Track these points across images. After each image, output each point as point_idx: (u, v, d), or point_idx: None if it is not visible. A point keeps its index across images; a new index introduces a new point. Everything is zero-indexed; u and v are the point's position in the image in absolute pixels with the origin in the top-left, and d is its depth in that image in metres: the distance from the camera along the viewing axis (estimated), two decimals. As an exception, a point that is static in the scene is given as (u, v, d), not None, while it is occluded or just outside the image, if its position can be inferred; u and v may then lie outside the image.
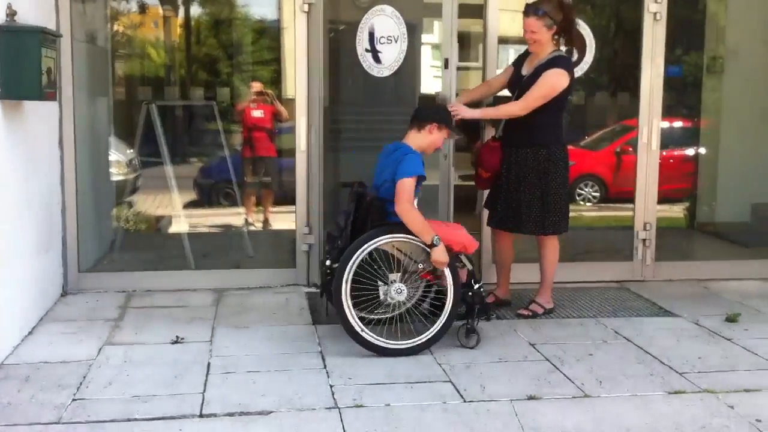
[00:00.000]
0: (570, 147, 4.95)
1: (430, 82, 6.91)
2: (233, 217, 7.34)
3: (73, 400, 3.51)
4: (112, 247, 6.16)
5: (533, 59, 4.76)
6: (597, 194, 8.70)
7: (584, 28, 5.24)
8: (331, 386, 3.72)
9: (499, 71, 5.29)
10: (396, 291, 4.10)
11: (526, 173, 4.72)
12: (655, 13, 5.56)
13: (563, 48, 4.80)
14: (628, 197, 5.97)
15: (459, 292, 4.17)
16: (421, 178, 4.16)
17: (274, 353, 4.15)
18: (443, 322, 4.16)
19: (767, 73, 6.97)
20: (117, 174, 7.04)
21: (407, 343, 4.13)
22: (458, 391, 3.67)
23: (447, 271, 4.12)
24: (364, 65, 5.32)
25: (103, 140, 6.29)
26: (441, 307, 4.18)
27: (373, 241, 4.07)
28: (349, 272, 4.05)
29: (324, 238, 5.26)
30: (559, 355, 4.18)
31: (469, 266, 4.33)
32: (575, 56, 4.98)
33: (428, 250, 4.05)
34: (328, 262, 4.22)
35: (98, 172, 5.97)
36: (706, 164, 7.61)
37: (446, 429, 3.32)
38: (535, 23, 4.62)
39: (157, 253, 6.37)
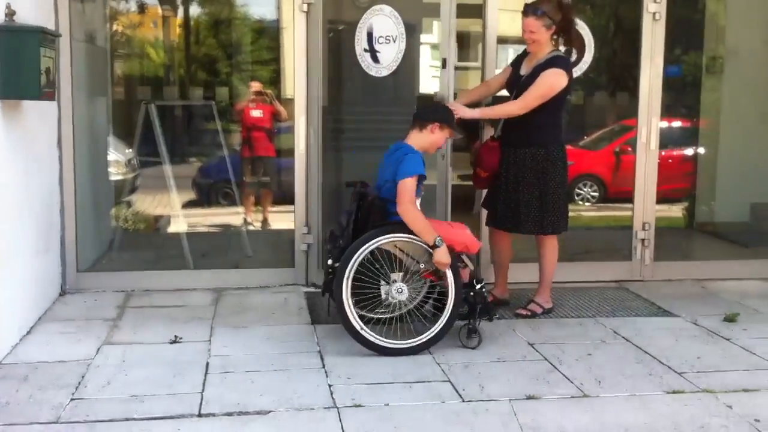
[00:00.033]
0: (569, 147, 4.95)
1: (429, 81, 6.90)
2: (232, 216, 7.34)
3: (72, 399, 3.51)
4: (111, 247, 6.16)
5: (532, 59, 4.76)
6: (596, 194, 8.71)
7: (583, 28, 5.24)
8: (329, 386, 3.71)
9: (498, 71, 5.28)
10: (397, 290, 4.10)
11: (525, 173, 4.72)
12: (654, 13, 5.55)
13: (562, 48, 4.80)
14: (627, 197, 5.96)
15: (460, 293, 4.15)
16: (422, 178, 4.16)
17: (272, 353, 4.15)
18: (444, 322, 4.15)
19: (767, 73, 6.97)
20: (116, 174, 7.04)
21: (407, 343, 4.12)
22: (457, 391, 3.67)
23: (448, 272, 4.12)
24: (362, 65, 5.32)
25: (102, 140, 6.29)
26: (442, 308, 4.17)
27: (373, 241, 4.07)
28: (350, 271, 4.05)
29: (323, 237, 5.27)
30: (557, 355, 4.18)
31: (471, 266, 4.33)
32: (574, 56, 4.98)
33: (430, 250, 4.05)
34: (329, 261, 4.24)
35: (97, 172, 5.96)
36: (705, 164, 7.62)
37: (445, 429, 3.31)
38: (534, 23, 4.62)
39: (155, 252, 6.37)
